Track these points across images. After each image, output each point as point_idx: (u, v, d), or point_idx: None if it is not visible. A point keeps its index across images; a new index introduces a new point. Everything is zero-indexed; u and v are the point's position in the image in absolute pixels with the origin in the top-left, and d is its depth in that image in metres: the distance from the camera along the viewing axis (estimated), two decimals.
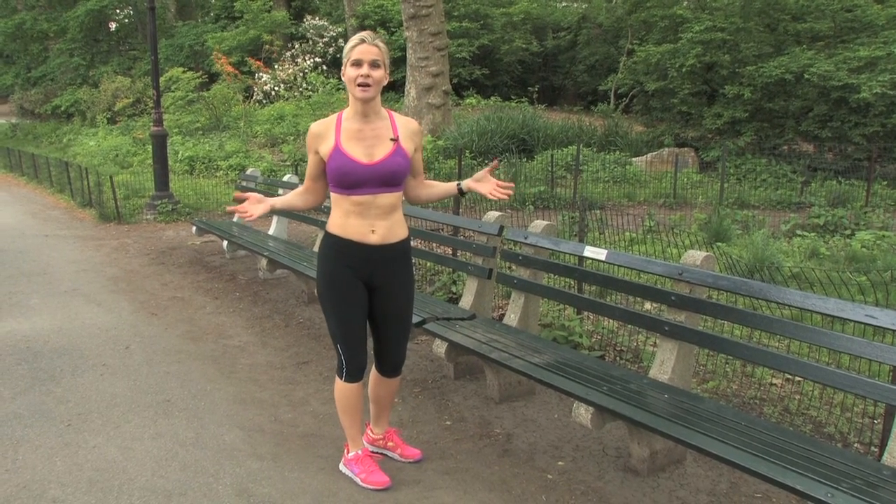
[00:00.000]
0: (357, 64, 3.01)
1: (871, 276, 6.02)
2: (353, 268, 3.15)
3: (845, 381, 2.89)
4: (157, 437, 3.81)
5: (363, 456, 3.39)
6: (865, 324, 2.85)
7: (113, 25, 33.08)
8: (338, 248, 3.14)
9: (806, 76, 15.61)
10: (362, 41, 3.03)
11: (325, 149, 3.09)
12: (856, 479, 2.53)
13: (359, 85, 3.01)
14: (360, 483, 3.32)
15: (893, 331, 2.82)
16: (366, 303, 3.24)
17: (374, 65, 3.01)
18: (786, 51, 17.00)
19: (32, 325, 5.74)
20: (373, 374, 3.46)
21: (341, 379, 3.29)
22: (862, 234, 8.96)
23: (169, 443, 3.75)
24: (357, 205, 3.08)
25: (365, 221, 3.09)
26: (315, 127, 3.15)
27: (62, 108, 29.22)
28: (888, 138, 15.56)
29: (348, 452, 3.43)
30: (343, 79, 3.10)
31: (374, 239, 3.12)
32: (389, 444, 3.59)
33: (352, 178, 3.04)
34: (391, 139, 3.11)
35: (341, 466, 3.47)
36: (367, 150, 3.07)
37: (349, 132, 3.09)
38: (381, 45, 3.06)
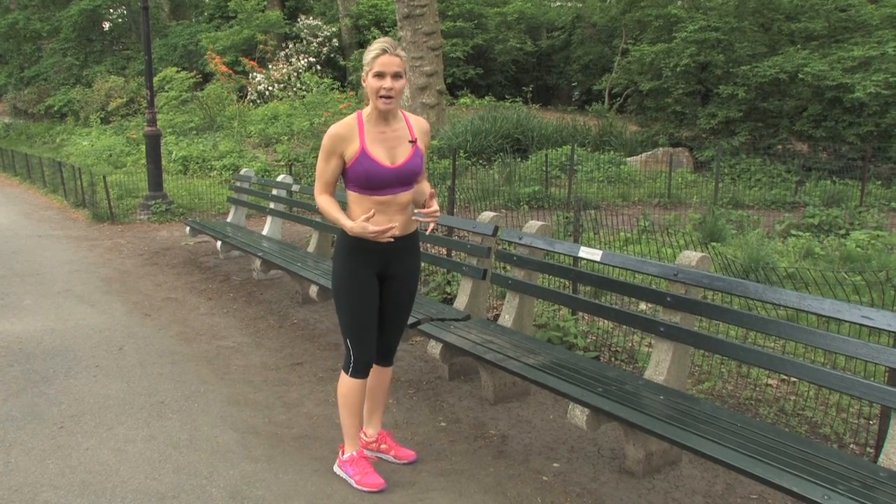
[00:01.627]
0: (380, 76, 3.05)
1: (866, 276, 6.03)
2: (373, 262, 3.23)
3: (841, 383, 2.89)
4: (150, 439, 3.79)
5: (358, 458, 3.38)
6: (861, 325, 2.84)
7: (106, 25, 32.90)
8: (361, 244, 3.18)
9: (800, 76, 15.63)
10: (384, 51, 3.04)
11: (351, 151, 3.11)
12: (852, 480, 2.53)
13: (381, 97, 3.06)
14: (355, 485, 3.31)
15: (889, 332, 2.82)
16: (378, 297, 3.31)
17: (396, 76, 3.06)
18: (780, 50, 17.02)
19: (25, 327, 5.71)
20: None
21: (347, 374, 3.30)
22: (856, 233, 8.97)
23: (162, 445, 3.73)
24: (379, 203, 3.15)
25: (385, 217, 3.17)
26: (338, 129, 3.12)
27: (55, 108, 29.09)
28: (882, 138, 15.59)
29: (343, 454, 3.41)
30: (363, 84, 3.11)
31: (394, 232, 3.17)
32: (383, 446, 3.58)
33: (377, 181, 3.11)
34: (410, 141, 3.20)
35: (336, 468, 3.45)
36: (390, 152, 3.14)
37: (372, 134, 3.13)
38: (401, 53, 3.10)
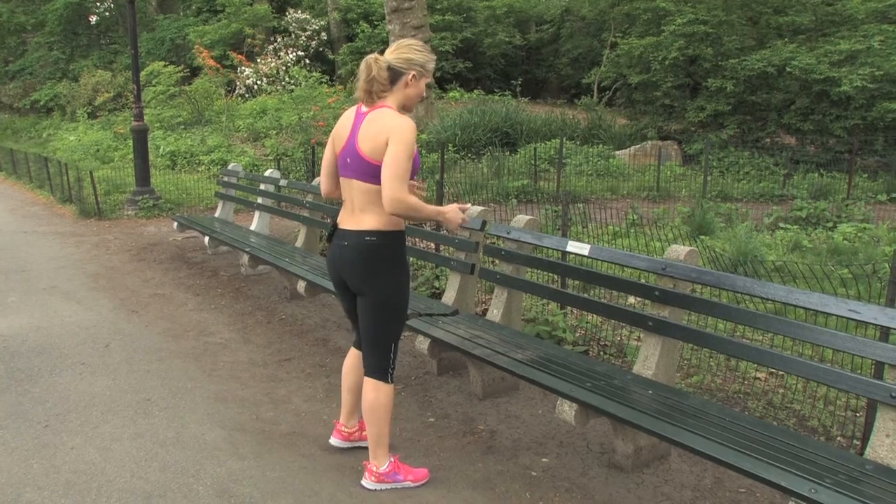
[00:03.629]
0: (427, 85, 3.17)
1: (853, 268, 6.05)
2: None
3: (829, 376, 2.89)
4: (136, 438, 3.76)
5: (396, 462, 3.29)
6: (849, 318, 2.85)
7: (93, 18, 32.56)
8: (404, 241, 3.17)
9: (788, 69, 15.69)
10: None
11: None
12: (839, 474, 2.53)
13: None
14: (413, 485, 3.26)
15: (876, 325, 2.82)
16: None
17: None
18: (768, 44, 17.09)
19: (10, 324, 5.65)
20: (357, 358, 3.44)
21: (389, 382, 3.19)
22: (843, 226, 9.01)
23: (149, 443, 3.70)
24: None
25: None
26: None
27: (41, 103, 28.80)
28: (868, 131, 15.70)
29: (378, 467, 3.24)
30: (415, 81, 3.07)
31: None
32: (364, 433, 3.55)
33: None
34: None
35: (372, 486, 3.24)
36: None
37: None
38: None
